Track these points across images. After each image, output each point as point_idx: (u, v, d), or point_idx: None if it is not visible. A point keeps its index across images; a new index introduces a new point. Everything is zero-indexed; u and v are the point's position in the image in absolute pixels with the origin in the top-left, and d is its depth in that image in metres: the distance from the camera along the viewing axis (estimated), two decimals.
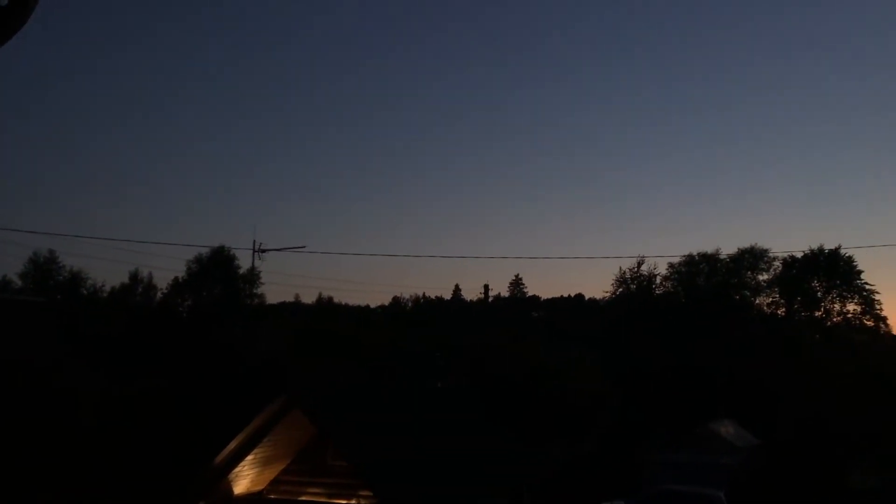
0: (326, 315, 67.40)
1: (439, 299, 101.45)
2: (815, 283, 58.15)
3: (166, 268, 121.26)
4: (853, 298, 57.26)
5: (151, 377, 27.02)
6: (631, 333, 51.04)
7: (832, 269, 57.01)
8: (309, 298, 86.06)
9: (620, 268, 62.63)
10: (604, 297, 66.60)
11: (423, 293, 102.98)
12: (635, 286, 60.27)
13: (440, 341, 47.17)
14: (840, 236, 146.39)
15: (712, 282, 59.64)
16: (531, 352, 39.47)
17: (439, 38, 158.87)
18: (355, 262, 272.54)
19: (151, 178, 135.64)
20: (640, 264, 59.88)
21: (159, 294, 57.59)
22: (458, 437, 20.90)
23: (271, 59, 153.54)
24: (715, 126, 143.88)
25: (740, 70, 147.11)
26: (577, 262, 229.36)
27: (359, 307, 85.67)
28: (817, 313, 58.59)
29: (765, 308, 60.03)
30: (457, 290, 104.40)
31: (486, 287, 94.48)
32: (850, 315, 57.52)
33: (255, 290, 51.51)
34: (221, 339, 36.39)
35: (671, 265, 60.63)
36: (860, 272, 56.67)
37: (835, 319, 57.80)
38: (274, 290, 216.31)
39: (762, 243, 69.56)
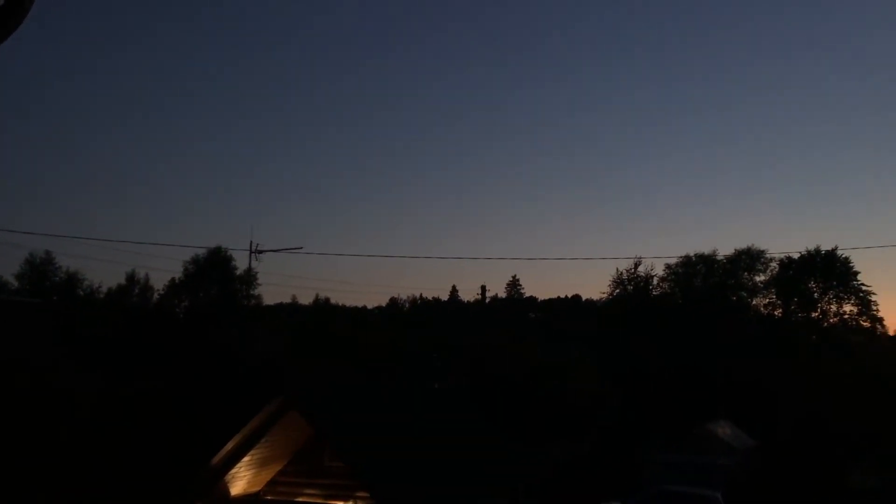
0: (323, 316, 67.52)
1: (436, 300, 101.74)
2: (812, 284, 58.23)
3: (163, 269, 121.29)
4: (850, 299, 57.39)
5: (148, 378, 26.99)
6: (628, 334, 51.08)
7: (829, 270, 57.09)
8: (306, 299, 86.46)
9: (617, 269, 62.78)
10: (601, 298, 66.81)
11: (421, 294, 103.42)
12: (632, 287, 60.34)
13: (437, 342, 47.18)
14: (839, 237, 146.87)
15: (709, 283, 59.70)
16: (530, 352, 39.48)
17: (439, 38, 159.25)
18: (352, 262, 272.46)
19: (149, 179, 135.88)
20: (636, 265, 60.04)
21: (156, 295, 57.70)
22: (455, 437, 20.88)
23: (271, 59, 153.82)
24: (714, 126, 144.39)
25: (740, 70, 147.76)
26: (574, 263, 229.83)
27: (356, 308, 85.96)
28: (814, 314, 58.68)
29: (761, 309, 60.14)
30: (454, 291, 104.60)
31: (484, 288, 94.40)
32: (846, 316, 57.66)
33: (251, 291, 51.68)
34: (218, 340, 36.36)
35: (668, 266, 60.80)
36: (857, 273, 56.85)
37: (831, 320, 57.91)
38: (271, 291, 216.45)
39: (761, 244, 69.94)
